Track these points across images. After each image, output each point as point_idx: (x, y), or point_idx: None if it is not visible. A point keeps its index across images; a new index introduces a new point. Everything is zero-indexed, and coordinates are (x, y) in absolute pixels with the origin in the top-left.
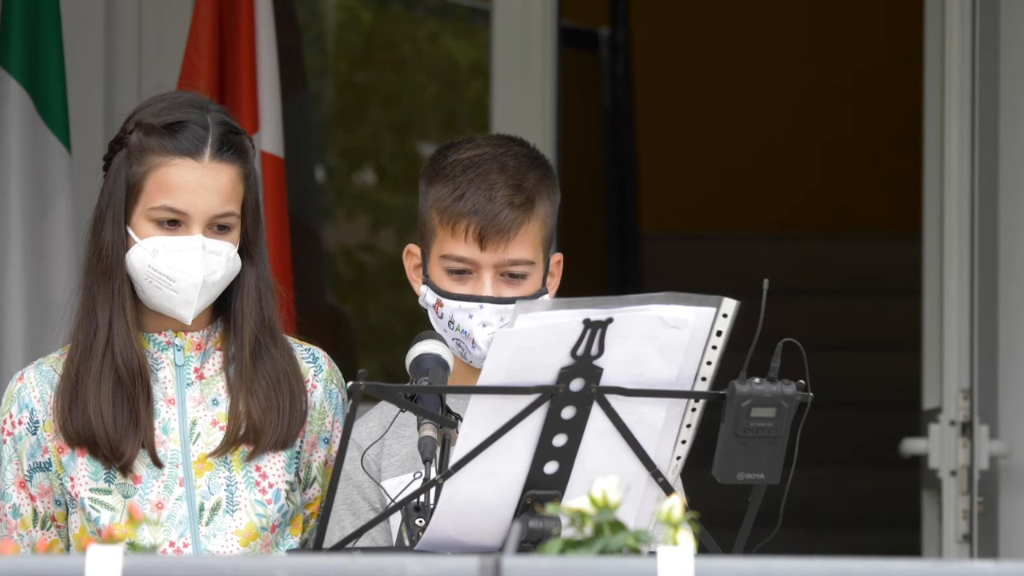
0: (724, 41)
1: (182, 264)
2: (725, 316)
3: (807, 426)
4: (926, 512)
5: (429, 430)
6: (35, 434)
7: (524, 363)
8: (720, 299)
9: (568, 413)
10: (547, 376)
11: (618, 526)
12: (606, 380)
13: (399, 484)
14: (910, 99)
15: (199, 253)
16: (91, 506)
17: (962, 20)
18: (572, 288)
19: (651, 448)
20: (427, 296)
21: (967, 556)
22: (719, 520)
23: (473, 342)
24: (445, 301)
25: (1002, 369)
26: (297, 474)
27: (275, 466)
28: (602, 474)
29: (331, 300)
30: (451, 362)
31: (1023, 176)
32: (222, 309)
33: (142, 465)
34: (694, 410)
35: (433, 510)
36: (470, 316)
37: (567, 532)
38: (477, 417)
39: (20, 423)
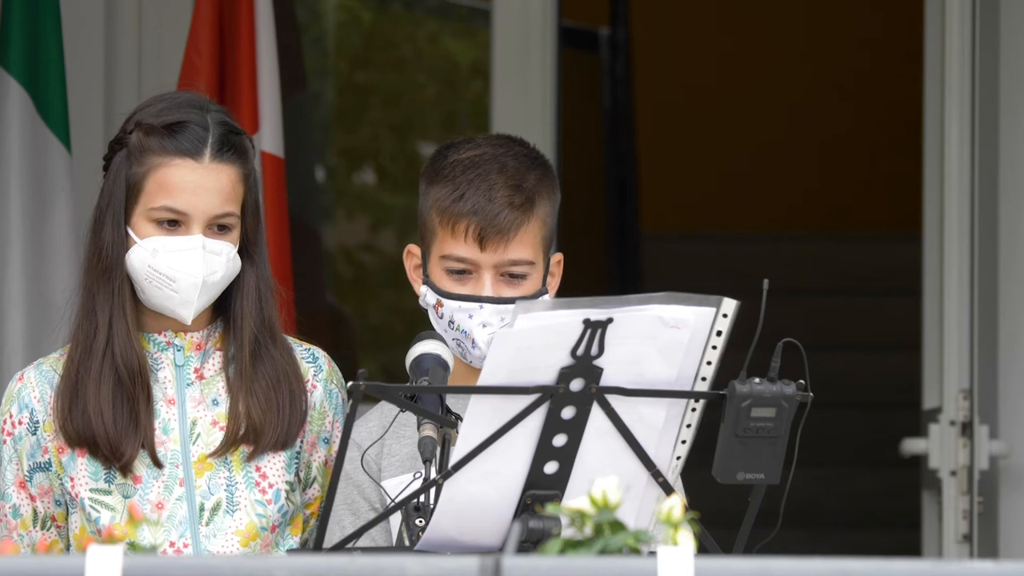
0: (724, 41)
1: (182, 264)
2: (725, 316)
3: (807, 426)
4: (926, 512)
5: (429, 430)
6: (35, 434)
7: (524, 363)
8: (720, 299)
9: (568, 413)
10: (547, 376)
11: (618, 526)
12: (606, 380)
13: (399, 484)
14: (910, 99)
15: (199, 253)
16: (91, 506)
17: (962, 20)
18: (572, 288)
19: (651, 448)
20: (427, 296)
21: (967, 556)
22: (719, 520)
23: (473, 342)
24: (445, 301)
25: (1002, 369)
26: (297, 474)
27: (275, 466)
28: (602, 474)
29: (331, 300)
30: (451, 362)
31: (1023, 176)
32: (222, 309)
33: (142, 465)
34: (694, 410)
35: (433, 510)
36: (470, 316)
37: (567, 532)
38: (477, 417)
39: (20, 423)
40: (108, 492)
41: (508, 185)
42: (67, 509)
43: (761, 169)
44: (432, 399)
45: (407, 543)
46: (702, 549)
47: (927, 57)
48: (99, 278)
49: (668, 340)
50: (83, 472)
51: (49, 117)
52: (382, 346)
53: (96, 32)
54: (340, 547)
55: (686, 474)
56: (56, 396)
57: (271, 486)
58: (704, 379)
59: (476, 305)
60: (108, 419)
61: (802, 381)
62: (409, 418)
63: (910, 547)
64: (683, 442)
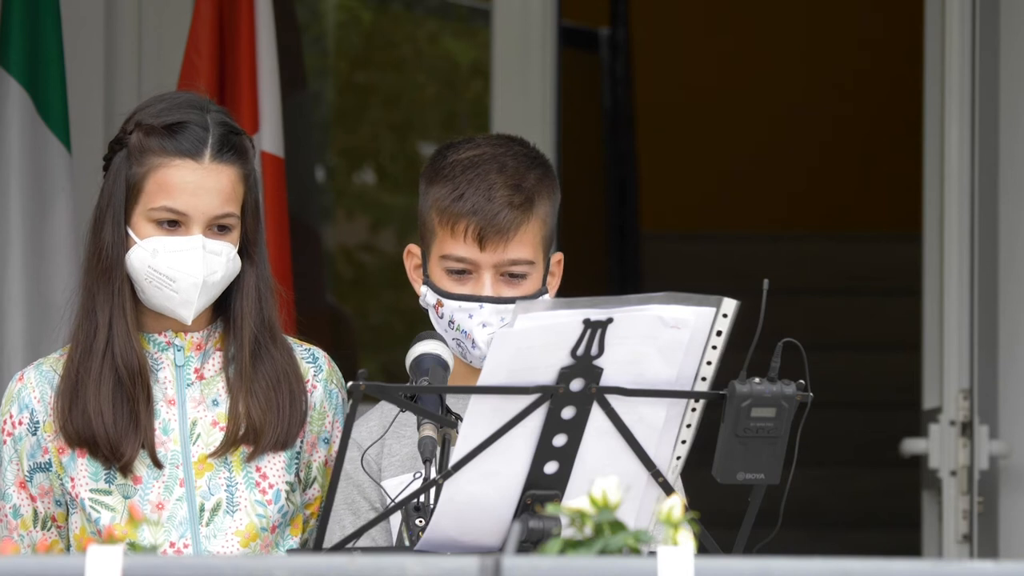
0: (724, 41)
1: (182, 264)
2: (725, 316)
3: (807, 426)
4: (926, 512)
5: (429, 430)
6: (35, 435)
7: (524, 363)
8: (720, 299)
9: (568, 413)
10: (547, 376)
11: (618, 526)
12: (606, 380)
13: (399, 484)
14: (910, 99)
15: (199, 253)
16: (91, 506)
17: (962, 20)
18: (572, 288)
19: (651, 448)
20: (427, 296)
21: (967, 556)
22: (719, 520)
23: (473, 342)
24: (445, 301)
25: (1002, 369)
26: (297, 474)
27: (275, 466)
28: (602, 474)
29: (331, 300)
30: (451, 362)
31: (1023, 176)
32: (222, 309)
33: (142, 466)
34: (694, 410)
35: (433, 510)
36: (470, 316)
37: (567, 532)
38: (477, 417)
39: (20, 424)
40: (108, 492)
41: (508, 185)
42: (67, 509)
43: (761, 169)
44: (432, 399)
45: (407, 543)
46: (702, 549)
47: (927, 57)
48: (99, 278)
49: (668, 340)
50: (83, 472)
51: (49, 117)
52: (382, 346)
53: (96, 32)
54: (340, 547)
55: (686, 474)
56: (56, 396)
57: (271, 486)
58: (704, 379)
59: (476, 305)
60: (108, 419)
61: (802, 381)
62: (409, 418)
63: (910, 547)
64: (683, 442)
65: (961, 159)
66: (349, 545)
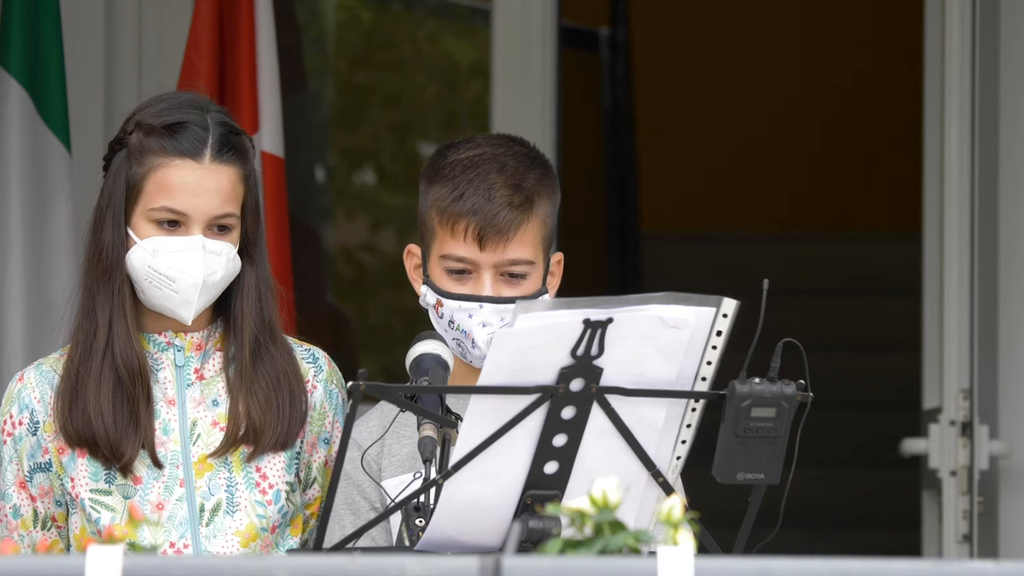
0: (724, 41)
1: (182, 264)
2: (725, 316)
3: (807, 426)
4: (926, 512)
5: (429, 430)
6: (35, 435)
7: (524, 363)
8: (720, 299)
9: (568, 413)
10: (547, 376)
11: (618, 526)
12: (606, 380)
13: (399, 484)
14: (910, 99)
15: (199, 253)
16: (91, 507)
17: (962, 20)
18: (572, 288)
19: (651, 448)
20: (427, 296)
21: (967, 556)
22: (719, 520)
23: (473, 342)
24: (445, 301)
25: (1002, 369)
26: (297, 475)
27: (275, 467)
28: (602, 474)
29: (331, 300)
30: (451, 362)
31: (1023, 176)
32: (222, 309)
33: (142, 466)
34: (694, 410)
35: (433, 510)
36: (470, 316)
37: (567, 532)
38: (477, 417)
39: (20, 424)
40: (108, 492)
41: (507, 185)
42: (67, 509)
43: (761, 169)
44: (432, 399)
45: (407, 543)
46: (702, 549)
47: (927, 57)
48: (99, 278)
49: (668, 340)
50: (83, 472)
51: (49, 117)
52: (382, 346)
53: (96, 32)
54: (340, 547)
55: (686, 474)
56: (56, 396)
57: (271, 487)
58: (704, 379)
59: (476, 305)
60: (108, 419)
61: (802, 381)
62: (409, 418)
63: (910, 547)
64: (683, 442)
65: (961, 159)
66: (349, 545)
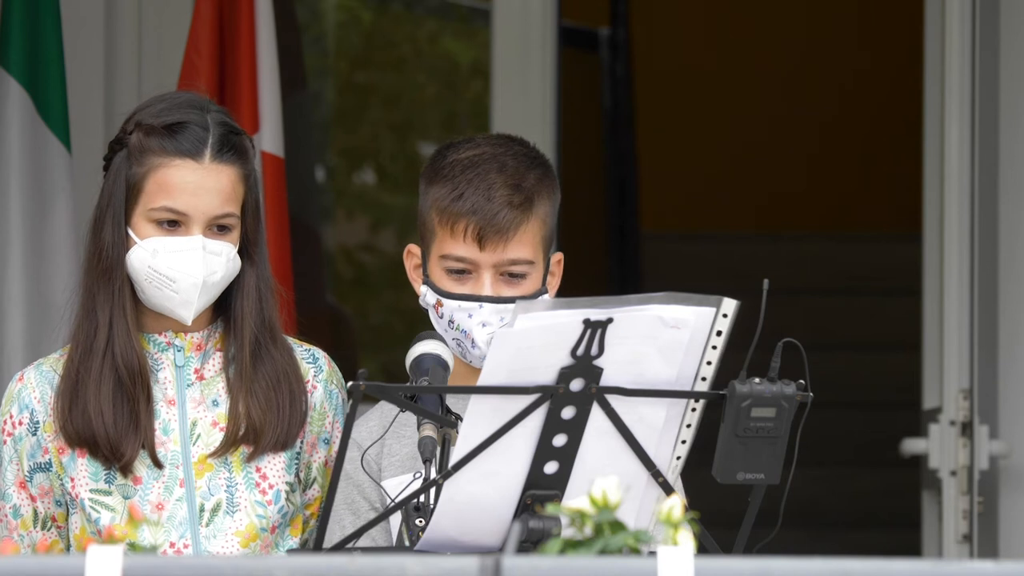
0: (724, 41)
1: (182, 265)
2: (725, 316)
3: (807, 426)
4: (926, 512)
5: (429, 430)
6: (35, 435)
7: (524, 363)
8: (720, 299)
9: (568, 413)
10: (547, 376)
11: (618, 526)
12: (606, 380)
13: (399, 484)
14: (910, 99)
15: (199, 254)
16: (91, 507)
17: (962, 20)
18: (572, 288)
19: (651, 448)
20: (427, 296)
21: (967, 556)
22: (719, 520)
23: (473, 342)
24: (445, 301)
25: (1002, 369)
26: (297, 475)
27: (275, 467)
28: (602, 474)
29: (331, 300)
30: (451, 362)
31: (1023, 176)
32: (222, 309)
33: (142, 466)
34: (694, 410)
35: (433, 510)
36: (470, 316)
37: (567, 532)
38: (477, 417)
39: (20, 424)
40: (108, 493)
41: (507, 185)
42: (67, 509)
43: (761, 169)
44: (432, 399)
45: (407, 543)
46: (702, 549)
47: (927, 57)
48: (99, 278)
49: (668, 340)
50: (83, 472)
51: (49, 117)
52: (382, 346)
53: (96, 32)
54: (340, 547)
55: (686, 474)
56: (56, 396)
57: (271, 487)
58: (704, 379)
59: (476, 304)
60: (108, 419)
61: (802, 381)
62: (409, 418)
63: (910, 547)
64: (683, 442)
65: (961, 159)
66: (349, 545)
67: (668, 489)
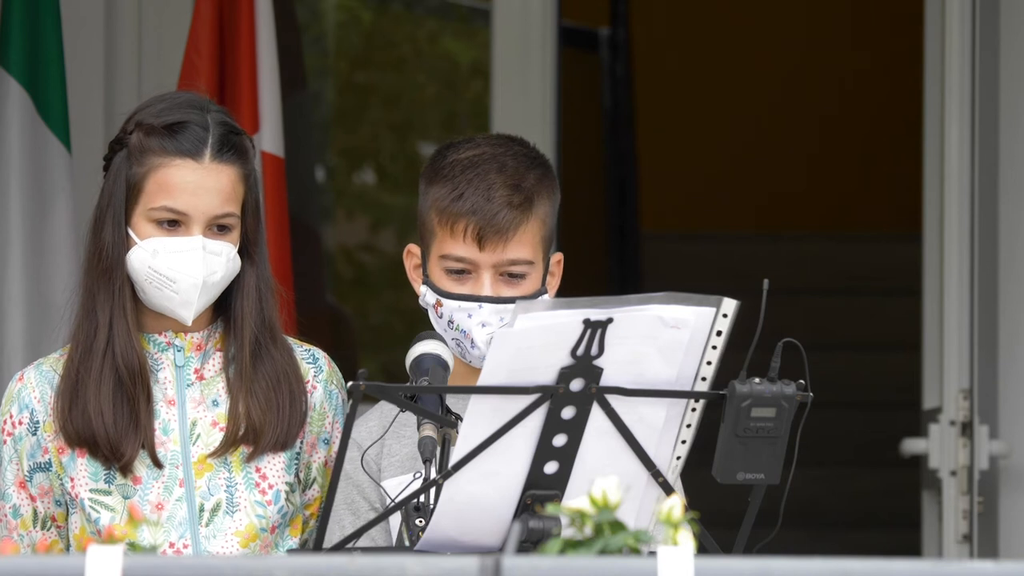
0: (724, 41)
1: (182, 265)
2: (725, 316)
3: (807, 426)
4: (926, 512)
5: (429, 430)
6: (35, 435)
7: (524, 363)
8: (720, 299)
9: (568, 413)
10: (547, 376)
11: (618, 526)
12: (606, 380)
13: (399, 484)
14: (910, 99)
15: (199, 254)
16: (91, 507)
17: (962, 20)
18: (572, 288)
19: (651, 448)
20: (427, 296)
21: (967, 556)
22: (719, 520)
23: (472, 342)
24: (445, 301)
25: (1002, 369)
26: (297, 475)
27: (275, 467)
28: (602, 474)
29: (331, 300)
30: (451, 362)
31: (1023, 176)
32: (222, 309)
33: (142, 466)
34: (694, 410)
35: (433, 510)
36: (469, 316)
37: (567, 532)
38: (477, 417)
39: (20, 423)
40: (108, 492)
41: (507, 185)
42: (67, 509)
43: (761, 169)
44: (432, 399)
45: (407, 543)
46: (702, 549)
47: (927, 57)
48: (99, 278)
49: (668, 340)
50: (83, 472)
51: (49, 117)
52: (382, 346)
53: (96, 32)
54: (340, 547)
55: (686, 474)
56: (56, 396)
57: (271, 487)
58: (704, 379)
59: (475, 305)
60: (108, 419)
61: (802, 381)
62: (409, 418)
63: (910, 547)
64: (683, 442)
65: (961, 159)
66: (349, 545)
67: (668, 489)
